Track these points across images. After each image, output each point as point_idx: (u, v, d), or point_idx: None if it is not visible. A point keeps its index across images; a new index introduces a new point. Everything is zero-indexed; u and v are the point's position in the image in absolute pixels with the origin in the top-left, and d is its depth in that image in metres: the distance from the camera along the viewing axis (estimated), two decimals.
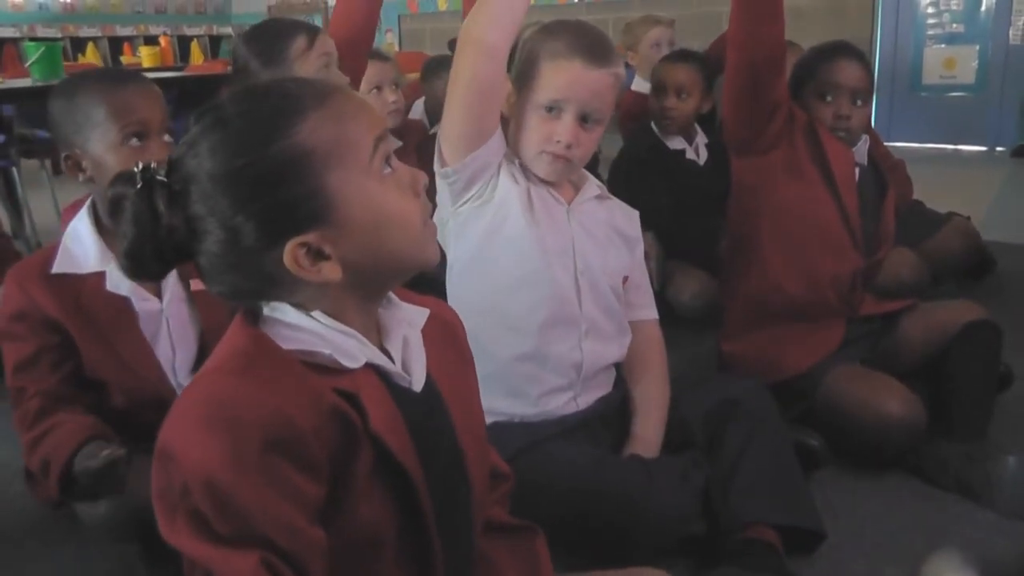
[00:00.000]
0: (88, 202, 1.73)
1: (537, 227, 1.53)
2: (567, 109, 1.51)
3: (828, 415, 1.86)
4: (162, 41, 6.83)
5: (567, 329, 1.57)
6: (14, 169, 4.17)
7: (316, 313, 0.90)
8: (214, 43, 9.21)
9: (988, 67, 5.79)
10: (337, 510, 0.85)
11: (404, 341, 0.98)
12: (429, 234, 0.97)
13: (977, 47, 5.80)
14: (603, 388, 1.65)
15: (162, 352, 1.74)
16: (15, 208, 4.16)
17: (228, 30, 9.33)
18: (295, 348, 0.88)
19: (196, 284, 1.77)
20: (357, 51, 2.33)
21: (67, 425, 1.62)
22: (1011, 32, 5.68)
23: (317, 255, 0.87)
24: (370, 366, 0.92)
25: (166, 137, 1.69)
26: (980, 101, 5.82)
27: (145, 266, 0.90)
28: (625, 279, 1.68)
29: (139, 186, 0.88)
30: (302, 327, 0.90)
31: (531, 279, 1.54)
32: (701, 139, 2.94)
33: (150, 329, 1.73)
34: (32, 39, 7.58)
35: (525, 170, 1.56)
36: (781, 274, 1.99)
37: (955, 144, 5.78)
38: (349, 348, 0.90)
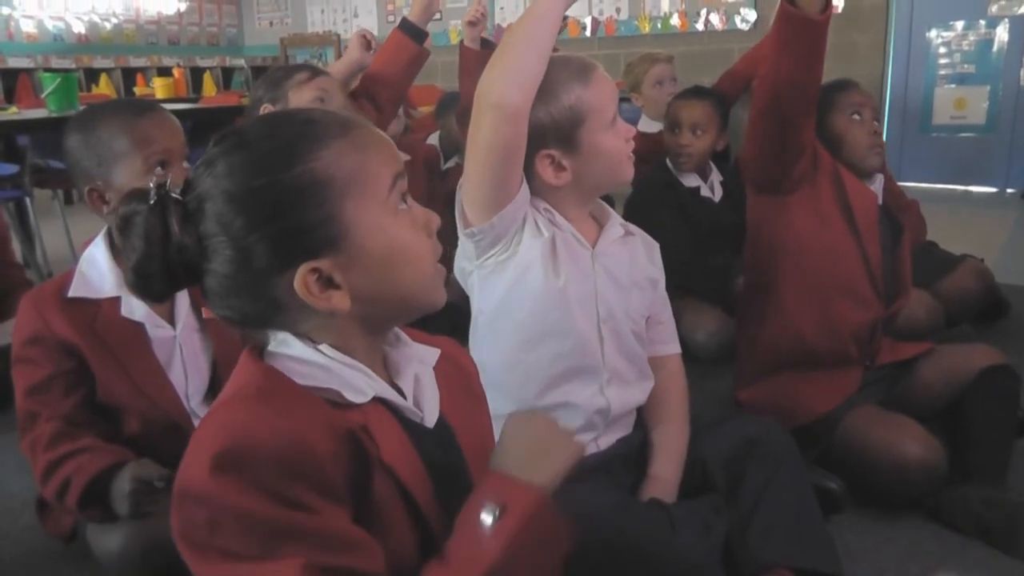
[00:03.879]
0: (104, 229, 1.74)
1: (559, 279, 1.50)
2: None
3: (846, 457, 1.84)
4: (175, 72, 6.89)
5: (589, 378, 1.56)
6: (27, 199, 4.20)
7: (323, 347, 0.90)
8: (226, 74, 9.25)
9: (999, 108, 5.80)
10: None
11: (416, 379, 0.98)
12: (439, 276, 0.98)
13: (988, 88, 5.82)
14: (624, 429, 1.64)
15: (175, 379, 1.76)
16: (27, 237, 4.18)
17: (240, 62, 9.38)
18: (301, 383, 0.88)
19: (208, 312, 1.76)
20: (389, 92, 2.38)
21: (96, 448, 1.63)
22: (1022, 73, 5.69)
23: (327, 283, 0.88)
24: (379, 402, 0.92)
25: (185, 163, 1.72)
26: (991, 142, 5.83)
27: (152, 284, 0.90)
28: (647, 317, 1.67)
29: (152, 203, 0.88)
30: (308, 360, 0.90)
31: (553, 331, 1.52)
32: (715, 176, 2.95)
33: (163, 356, 1.74)
34: (47, 70, 7.65)
35: (551, 217, 1.53)
36: (800, 322, 1.97)
37: (965, 185, 5.79)
38: (356, 382, 0.90)
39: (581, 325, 1.53)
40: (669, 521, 1.41)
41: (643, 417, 1.68)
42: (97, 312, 1.68)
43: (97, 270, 1.71)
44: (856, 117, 1.98)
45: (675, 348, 1.73)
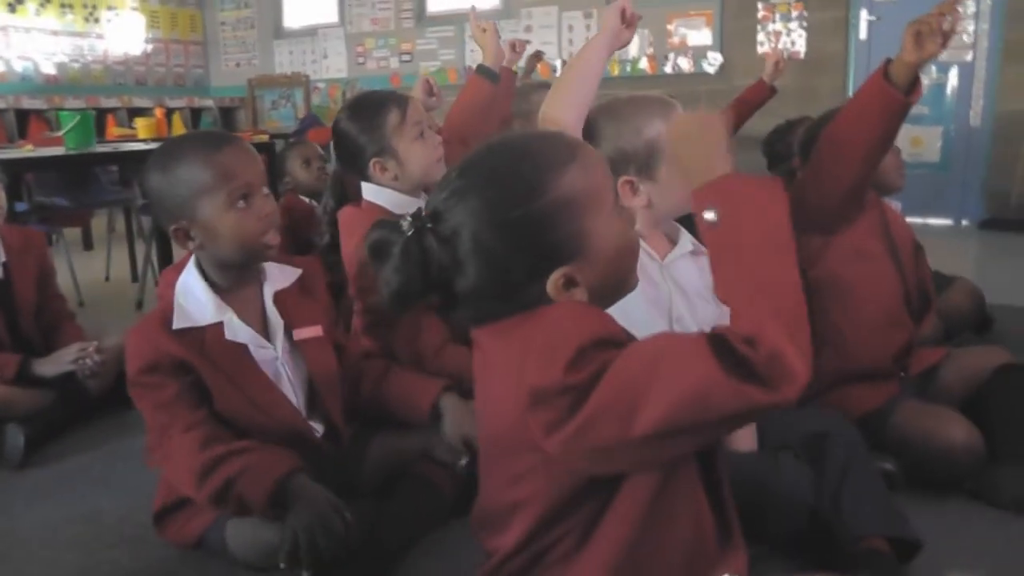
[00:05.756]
0: (192, 260, 1.82)
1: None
2: None
3: (897, 446, 2.05)
4: (157, 112, 6.96)
5: None
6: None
7: None
8: (195, 115, 9.31)
9: (952, 146, 6.20)
10: None
11: None
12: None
13: (941, 128, 6.22)
14: None
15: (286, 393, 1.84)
16: None
17: (209, 102, 9.47)
18: None
19: (299, 334, 1.88)
20: (474, 129, 2.53)
21: (257, 448, 1.69)
22: (971, 114, 6.11)
23: (569, 283, 1.05)
24: None
25: (265, 190, 1.78)
26: (945, 179, 6.22)
27: (410, 300, 1.07)
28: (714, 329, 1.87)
29: (410, 233, 1.05)
30: None
31: (640, 327, 1.70)
32: None
33: (269, 374, 1.82)
34: (18, 110, 7.68)
35: None
36: (853, 351, 2.15)
37: (923, 218, 6.13)
38: None
39: (659, 325, 1.73)
40: (774, 457, 1.63)
41: None
42: (203, 337, 1.76)
43: (194, 299, 1.78)
44: None
45: None
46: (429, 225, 1.05)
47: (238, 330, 1.79)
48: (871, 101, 1.91)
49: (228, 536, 1.76)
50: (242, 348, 1.79)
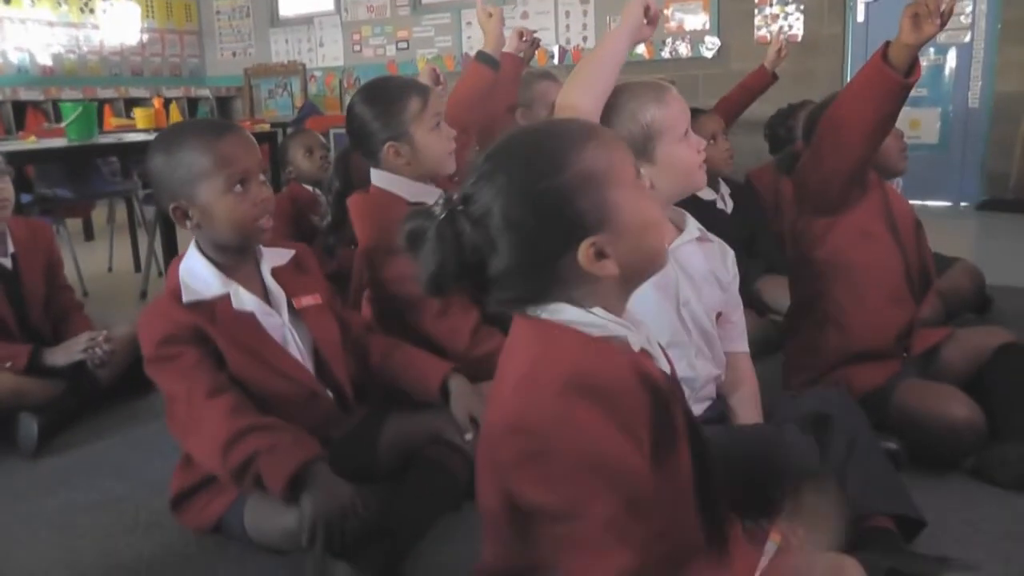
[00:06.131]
0: (193, 243, 1.89)
1: None
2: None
3: (899, 424, 2.08)
4: (155, 103, 6.94)
5: (682, 351, 1.79)
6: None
7: (595, 309, 1.10)
8: (192, 105, 9.32)
9: (950, 128, 6.22)
10: (666, 457, 1.06)
11: (647, 339, 1.18)
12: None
13: (939, 110, 6.24)
14: (709, 398, 1.87)
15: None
16: None
17: (205, 92, 9.47)
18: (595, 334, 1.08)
19: (299, 303, 1.95)
20: (473, 115, 2.54)
21: (283, 428, 1.74)
22: (970, 96, 6.12)
23: (599, 254, 1.07)
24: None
25: (261, 176, 1.85)
26: (944, 160, 6.24)
27: (447, 283, 1.09)
28: (719, 315, 1.88)
29: (442, 216, 1.08)
30: (584, 322, 1.09)
31: (648, 312, 1.72)
32: (724, 189, 3.20)
33: (278, 340, 1.88)
34: (15, 102, 7.68)
35: None
36: (852, 330, 2.18)
37: (922, 200, 6.15)
38: (627, 336, 1.10)
39: (666, 307, 1.76)
40: (777, 429, 1.67)
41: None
42: (213, 309, 1.82)
43: (198, 277, 1.85)
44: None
45: (744, 346, 1.93)
46: (460, 208, 1.09)
47: (245, 299, 1.86)
48: (870, 84, 1.93)
49: (247, 519, 1.81)
50: (251, 317, 1.86)
